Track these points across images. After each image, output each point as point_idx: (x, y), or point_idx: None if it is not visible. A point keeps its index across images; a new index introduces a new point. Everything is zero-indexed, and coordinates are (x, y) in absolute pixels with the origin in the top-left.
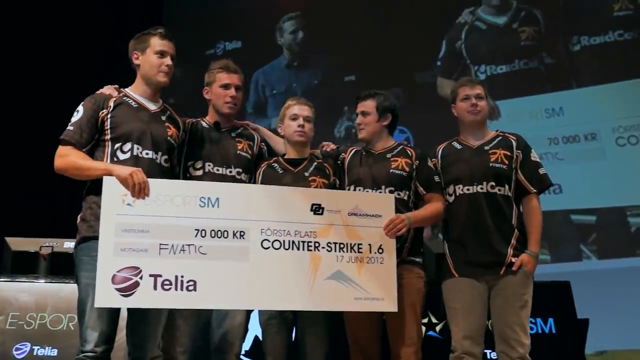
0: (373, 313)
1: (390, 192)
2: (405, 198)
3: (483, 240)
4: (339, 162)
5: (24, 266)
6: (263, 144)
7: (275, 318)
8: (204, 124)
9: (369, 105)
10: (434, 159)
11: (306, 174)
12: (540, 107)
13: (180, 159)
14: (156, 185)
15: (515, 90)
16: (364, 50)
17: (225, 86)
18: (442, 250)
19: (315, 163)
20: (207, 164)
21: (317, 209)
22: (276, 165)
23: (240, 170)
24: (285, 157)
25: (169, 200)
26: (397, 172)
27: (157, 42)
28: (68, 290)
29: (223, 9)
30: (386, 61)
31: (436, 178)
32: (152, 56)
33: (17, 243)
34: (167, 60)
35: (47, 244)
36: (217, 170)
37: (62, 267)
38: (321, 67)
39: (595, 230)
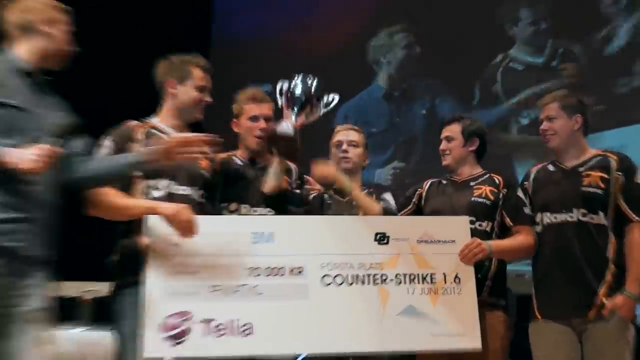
0: (453, 355)
1: (471, 223)
2: (488, 229)
3: (571, 277)
4: (413, 202)
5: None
6: (299, 180)
7: None
8: (238, 160)
9: (453, 129)
10: (526, 182)
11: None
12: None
13: (215, 195)
14: (204, 222)
15: None
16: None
17: (254, 118)
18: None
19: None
20: (242, 205)
21: (381, 239)
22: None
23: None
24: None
25: (218, 238)
26: (479, 200)
27: (200, 75)
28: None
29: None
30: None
31: (526, 210)
32: (193, 90)
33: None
34: (207, 97)
35: (89, 289)
36: (255, 211)
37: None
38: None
39: None
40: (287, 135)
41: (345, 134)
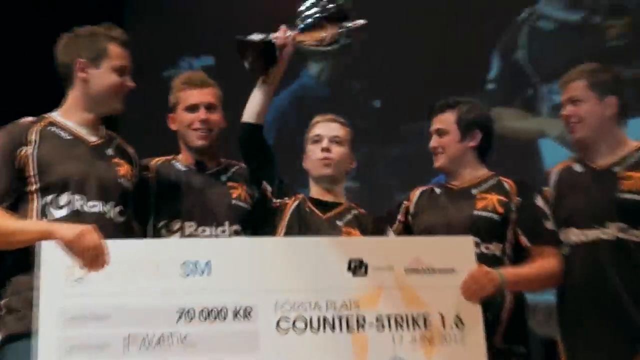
0: None
1: (474, 245)
2: (498, 253)
3: (608, 315)
4: (398, 219)
5: None
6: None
7: None
8: (179, 166)
9: (446, 119)
10: (545, 188)
11: (339, 222)
12: None
13: (146, 215)
14: (117, 248)
15: None
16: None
17: (192, 108)
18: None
19: (355, 212)
20: (187, 223)
21: (357, 267)
22: (303, 206)
23: (239, 228)
24: (310, 196)
25: (137, 270)
26: (484, 214)
27: (118, 52)
28: None
29: (190, 11)
30: (414, 85)
31: (548, 224)
32: (110, 72)
33: None
34: (128, 80)
35: None
36: (204, 231)
37: None
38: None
39: None
40: (255, 42)
41: (327, 127)
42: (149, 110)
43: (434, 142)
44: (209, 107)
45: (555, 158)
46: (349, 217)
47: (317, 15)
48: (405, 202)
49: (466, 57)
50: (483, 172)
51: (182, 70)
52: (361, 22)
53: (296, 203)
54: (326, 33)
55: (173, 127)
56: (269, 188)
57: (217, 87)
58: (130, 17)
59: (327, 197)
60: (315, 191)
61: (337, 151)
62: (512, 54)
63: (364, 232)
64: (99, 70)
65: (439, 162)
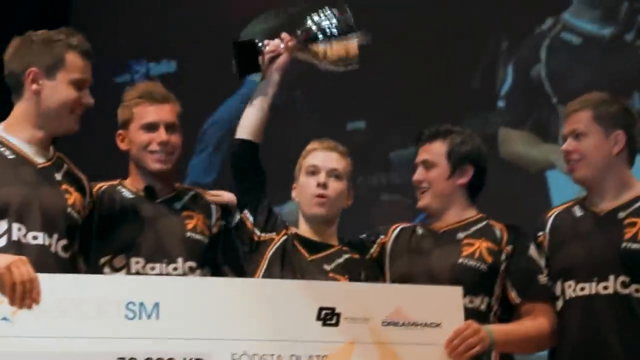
0: None
1: None
2: (484, 308)
3: None
4: (371, 253)
5: None
6: (223, 220)
7: None
8: (126, 192)
9: (435, 150)
10: (540, 234)
11: (327, 266)
12: None
13: (88, 250)
14: (52, 284)
15: None
16: (376, 83)
17: (150, 126)
18: None
19: (347, 256)
20: (134, 259)
21: (328, 317)
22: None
23: (194, 264)
24: (299, 233)
25: (74, 310)
26: (470, 263)
27: (77, 63)
28: None
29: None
30: (412, 100)
31: (541, 278)
32: (66, 86)
33: None
34: (87, 97)
35: None
36: (153, 268)
37: None
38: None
39: None
40: (242, 43)
41: (325, 158)
42: (92, 124)
43: (419, 175)
44: (170, 127)
45: (565, 194)
46: (339, 261)
47: (324, 28)
48: (382, 237)
49: (474, 69)
50: (471, 213)
51: (138, 78)
52: (365, 39)
53: (283, 239)
54: (333, 51)
55: (123, 146)
56: (249, 218)
57: (177, 103)
58: (75, 16)
59: (317, 237)
60: (304, 228)
61: (334, 187)
62: (529, 68)
63: (355, 280)
64: (53, 82)
65: (423, 201)
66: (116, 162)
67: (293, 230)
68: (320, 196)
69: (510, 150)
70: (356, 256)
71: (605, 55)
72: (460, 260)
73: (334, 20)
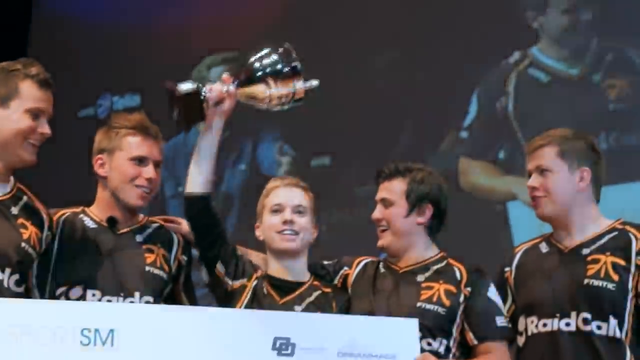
0: None
1: None
2: (442, 351)
3: None
4: (335, 284)
5: None
6: (184, 255)
7: None
8: (87, 222)
9: (394, 187)
10: (507, 270)
11: (298, 307)
12: None
13: (45, 281)
14: (5, 310)
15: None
16: (339, 119)
17: (140, 160)
18: None
19: (318, 293)
20: (90, 291)
21: (283, 347)
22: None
23: (151, 300)
24: (269, 274)
25: (26, 336)
26: (428, 307)
27: (33, 93)
28: None
29: (113, 46)
30: (375, 131)
31: (500, 320)
32: (21, 115)
33: None
34: (44, 127)
35: None
36: (109, 301)
37: None
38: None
39: None
40: (182, 93)
41: (289, 195)
42: (56, 156)
43: (378, 213)
44: (157, 165)
45: (525, 227)
46: (309, 300)
47: (267, 70)
48: (346, 269)
49: (441, 99)
50: (432, 252)
51: (102, 112)
52: (315, 83)
53: (254, 284)
54: (275, 91)
55: (101, 172)
56: (221, 269)
57: (162, 141)
58: (35, 48)
59: (289, 274)
60: (275, 269)
61: (300, 223)
62: (495, 101)
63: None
64: (7, 111)
65: (383, 240)
66: (81, 193)
67: (262, 273)
68: (288, 232)
69: (469, 180)
70: (327, 290)
71: (573, 95)
72: (419, 304)
73: (276, 59)
